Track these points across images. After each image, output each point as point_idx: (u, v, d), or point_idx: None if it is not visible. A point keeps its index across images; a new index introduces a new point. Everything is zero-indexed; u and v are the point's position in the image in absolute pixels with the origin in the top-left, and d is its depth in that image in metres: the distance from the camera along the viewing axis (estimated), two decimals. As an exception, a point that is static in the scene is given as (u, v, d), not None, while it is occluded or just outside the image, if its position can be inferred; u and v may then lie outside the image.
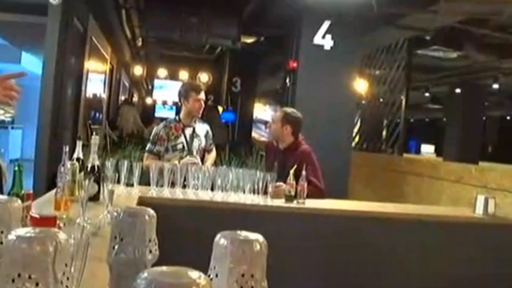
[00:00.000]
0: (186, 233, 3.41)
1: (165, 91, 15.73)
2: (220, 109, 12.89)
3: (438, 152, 21.49)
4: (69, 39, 6.10)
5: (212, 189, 3.87)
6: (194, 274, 0.64)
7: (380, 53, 10.65)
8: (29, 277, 0.71)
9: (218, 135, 8.86)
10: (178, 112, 5.13)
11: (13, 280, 0.71)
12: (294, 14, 7.14)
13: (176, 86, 15.15)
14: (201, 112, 4.54)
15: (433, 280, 3.80)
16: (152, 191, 3.72)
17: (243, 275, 0.76)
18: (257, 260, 0.77)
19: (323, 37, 6.75)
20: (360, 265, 3.79)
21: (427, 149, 24.76)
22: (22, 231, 0.75)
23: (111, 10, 8.84)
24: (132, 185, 3.68)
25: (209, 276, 0.78)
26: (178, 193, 3.74)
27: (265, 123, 16.95)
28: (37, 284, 0.71)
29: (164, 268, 0.66)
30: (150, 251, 0.94)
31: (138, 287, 0.62)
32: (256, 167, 4.17)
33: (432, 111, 22.40)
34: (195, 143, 4.51)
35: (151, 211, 0.97)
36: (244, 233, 0.80)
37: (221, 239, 0.78)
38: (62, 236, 0.74)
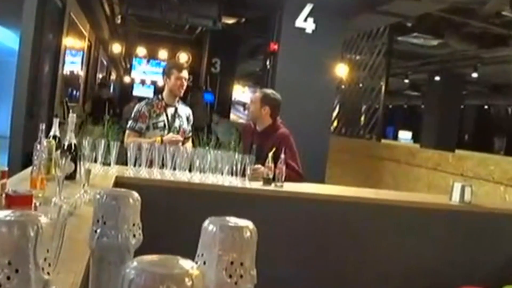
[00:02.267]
0: (163, 214, 3.39)
1: (144, 70, 15.60)
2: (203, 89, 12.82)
3: (415, 139, 21.67)
4: (47, 14, 5.97)
5: (190, 170, 3.84)
6: (186, 263, 0.61)
7: (361, 38, 10.67)
8: (9, 263, 0.68)
9: (200, 116, 8.81)
10: (157, 92, 5.09)
11: (-9, 266, 0.67)
12: (276, -4, 7.08)
13: (155, 64, 15.09)
14: (182, 91, 4.49)
15: (408, 265, 3.84)
16: (130, 171, 3.67)
17: (232, 263, 0.74)
18: (247, 247, 0.75)
19: (305, 20, 6.72)
20: (336, 249, 3.81)
21: (405, 136, 24.96)
22: (1, 214, 0.71)
23: (90, -14, 8.69)
24: (109, 164, 3.62)
25: (196, 263, 0.75)
26: (156, 174, 3.70)
27: (244, 105, 16.91)
28: (16, 271, 0.67)
29: (153, 256, 0.62)
30: (134, 236, 0.91)
31: (127, 276, 0.58)
32: (234, 149, 4.13)
33: (411, 98, 22.58)
34: (176, 123, 4.47)
35: (136, 194, 0.94)
36: (233, 219, 0.77)
37: (209, 225, 0.75)
38: (43, 219, 0.71)
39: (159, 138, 4.21)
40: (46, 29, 6.08)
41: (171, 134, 4.34)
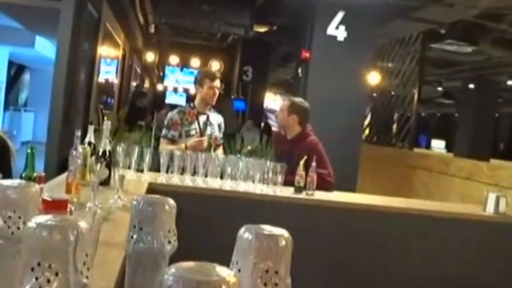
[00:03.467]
0: (194, 220, 3.41)
1: (176, 78, 15.74)
2: (232, 97, 12.88)
3: (448, 147, 21.35)
4: (82, 25, 6.08)
5: (221, 178, 3.86)
6: (223, 271, 0.62)
7: (393, 45, 10.58)
8: (49, 267, 0.69)
9: (230, 124, 8.84)
10: (189, 99, 5.14)
11: (32, 269, 0.69)
12: (307, 3, 7.08)
13: (187, 73, 15.23)
14: (215, 99, 4.52)
15: (441, 276, 3.78)
16: (162, 178, 3.72)
17: (267, 271, 0.74)
18: (282, 256, 0.75)
19: (337, 28, 6.70)
20: (367, 258, 3.78)
21: (438, 145, 24.60)
22: (42, 219, 0.73)
23: (125, -5, 8.82)
24: (142, 170, 3.67)
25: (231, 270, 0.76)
26: (188, 181, 3.74)
27: (275, 112, 16.90)
28: (56, 274, 0.69)
29: (191, 263, 0.63)
30: (169, 242, 0.92)
31: (165, 283, 0.59)
32: (266, 156, 4.15)
33: (444, 106, 22.24)
34: (208, 130, 4.50)
35: (171, 201, 0.95)
36: (269, 228, 0.78)
37: (245, 233, 0.76)
38: (83, 224, 0.72)
39: (183, 145, 4.24)
40: (82, 38, 6.19)
41: (193, 139, 4.36)
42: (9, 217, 0.96)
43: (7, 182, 1.00)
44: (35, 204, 1.00)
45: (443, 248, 3.83)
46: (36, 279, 0.68)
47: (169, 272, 0.61)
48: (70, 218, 0.75)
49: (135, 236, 0.91)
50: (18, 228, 0.95)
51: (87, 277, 0.71)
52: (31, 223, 0.72)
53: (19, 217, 0.96)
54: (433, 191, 7.16)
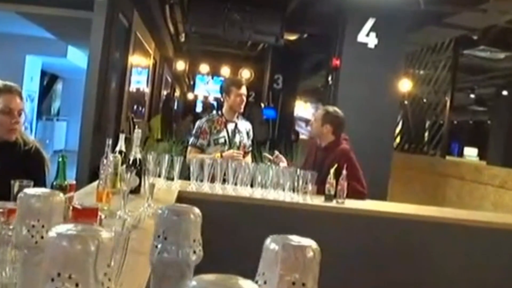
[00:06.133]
0: (224, 228, 3.40)
1: (207, 88, 15.84)
2: (262, 105, 12.87)
3: (481, 155, 20.96)
4: (114, 34, 6.16)
5: (251, 186, 3.85)
6: (247, 284, 0.60)
7: (425, 52, 10.47)
8: (69, 277, 0.68)
9: (259, 132, 8.85)
10: (219, 108, 5.16)
11: (52, 279, 0.68)
12: (337, 11, 7.06)
13: (218, 81, 15.31)
14: (242, 107, 4.53)
15: (474, 286, 3.69)
16: (192, 186, 3.72)
17: (294, 283, 0.72)
18: (310, 267, 0.73)
19: (367, 35, 6.65)
20: (398, 268, 3.71)
21: (470, 152, 24.17)
22: (63, 228, 0.72)
23: (155, 5, 8.92)
24: (172, 179, 3.68)
25: (256, 282, 0.74)
26: (218, 189, 3.73)
27: (306, 120, 16.86)
28: (77, 285, 0.67)
29: (212, 276, 0.61)
30: (194, 252, 0.90)
31: (186, 296, 0.58)
32: (296, 165, 4.16)
33: (476, 113, 21.88)
34: (237, 138, 4.50)
35: (197, 210, 0.94)
36: (296, 238, 0.75)
37: (271, 244, 0.74)
38: (104, 234, 0.71)
39: (219, 154, 4.25)
40: (113, 48, 6.27)
41: (231, 150, 4.37)
42: (33, 226, 0.96)
43: (31, 191, 1.00)
44: (60, 213, 1.00)
45: (476, 257, 3.74)
46: (56, 289, 0.67)
47: (190, 285, 0.59)
48: (92, 228, 0.73)
49: (159, 246, 0.90)
50: (42, 237, 0.95)
51: (108, 288, 0.70)
52: (52, 233, 0.70)
53: (43, 226, 0.96)
54: (466, 200, 7.04)
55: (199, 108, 17.29)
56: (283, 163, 4.24)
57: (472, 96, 16.70)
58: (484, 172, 6.96)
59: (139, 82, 9.64)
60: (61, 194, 1.02)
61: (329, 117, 4.30)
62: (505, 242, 3.81)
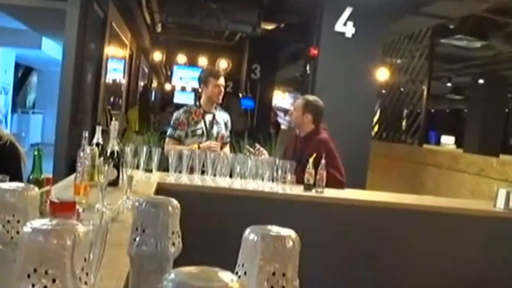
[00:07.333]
0: (204, 220, 3.40)
1: (184, 77, 15.73)
2: (240, 95, 12.85)
3: (458, 143, 21.21)
4: (89, 25, 6.08)
5: (230, 176, 3.84)
6: (226, 276, 0.59)
7: (402, 41, 10.51)
8: (46, 273, 0.67)
9: (237, 122, 8.84)
10: (197, 98, 5.13)
11: (28, 276, 0.67)
12: (315, 0, 7.04)
13: (195, 72, 15.21)
14: (221, 98, 4.50)
15: (452, 272, 3.74)
16: (171, 177, 3.70)
17: (274, 274, 0.71)
18: (289, 257, 0.72)
19: (345, 24, 6.65)
20: (377, 256, 3.75)
21: (447, 141, 24.45)
22: (38, 223, 0.70)
23: (131, -5, 8.83)
24: (151, 170, 3.66)
25: (236, 273, 0.73)
26: (197, 180, 3.72)
27: (284, 110, 16.86)
28: (54, 280, 0.66)
29: (191, 268, 0.60)
30: (173, 244, 0.89)
31: (164, 289, 0.57)
32: (276, 155, 4.16)
33: (453, 101, 22.11)
34: (214, 129, 4.48)
35: (175, 202, 0.93)
36: (275, 228, 0.75)
37: (250, 234, 0.73)
38: (81, 228, 0.69)
39: (196, 146, 4.23)
40: (88, 39, 6.19)
41: (208, 142, 4.35)
42: (8, 221, 0.94)
43: (5, 185, 0.98)
44: (35, 208, 0.98)
45: (454, 244, 3.80)
46: (33, 286, 0.66)
47: (168, 278, 0.58)
48: (67, 222, 0.72)
49: (137, 239, 0.89)
50: (18, 232, 0.93)
51: (86, 283, 0.68)
52: (27, 228, 0.69)
53: (18, 221, 0.94)
54: (443, 188, 7.12)
55: (177, 99, 17.19)
56: (265, 155, 4.23)
57: (449, 85, 16.86)
58: (461, 160, 7.04)
59: (116, 71, 9.54)
60: (36, 188, 1.00)
61: (310, 106, 4.31)
62: (482, 229, 3.87)
